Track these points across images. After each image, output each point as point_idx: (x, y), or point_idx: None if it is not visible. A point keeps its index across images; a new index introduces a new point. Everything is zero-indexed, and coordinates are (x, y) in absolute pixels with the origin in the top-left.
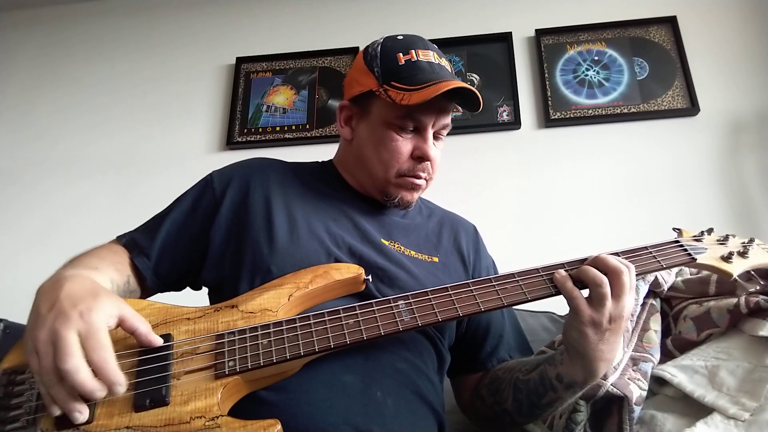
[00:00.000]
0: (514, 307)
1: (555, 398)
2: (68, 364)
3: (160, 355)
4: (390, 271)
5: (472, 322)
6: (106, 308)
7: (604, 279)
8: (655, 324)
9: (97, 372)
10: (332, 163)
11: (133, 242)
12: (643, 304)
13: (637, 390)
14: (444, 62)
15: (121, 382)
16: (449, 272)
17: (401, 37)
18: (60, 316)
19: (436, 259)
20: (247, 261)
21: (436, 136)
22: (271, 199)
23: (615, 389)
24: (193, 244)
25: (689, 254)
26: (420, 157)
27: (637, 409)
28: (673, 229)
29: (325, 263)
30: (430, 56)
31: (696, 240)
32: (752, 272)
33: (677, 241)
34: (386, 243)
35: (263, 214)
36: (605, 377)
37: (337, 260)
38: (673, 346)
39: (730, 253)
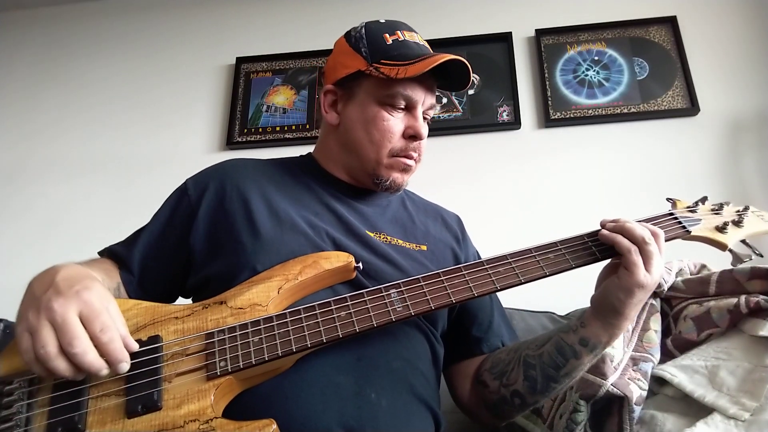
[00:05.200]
0: (514, 308)
1: (576, 365)
2: (77, 348)
3: (150, 358)
4: (374, 264)
5: (462, 307)
6: (100, 291)
7: (657, 233)
8: (655, 324)
9: (102, 352)
10: (312, 156)
11: (112, 254)
12: (643, 304)
13: (637, 390)
14: (428, 46)
15: (126, 359)
16: (438, 260)
17: (384, 21)
18: (58, 296)
19: (424, 247)
20: (231, 260)
21: (423, 117)
22: (249, 198)
23: (615, 389)
24: (174, 253)
25: (683, 227)
26: (412, 136)
27: (637, 409)
28: (667, 199)
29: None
30: (416, 37)
31: (690, 210)
32: (747, 240)
33: (671, 213)
34: (372, 234)
35: (243, 214)
36: (605, 377)
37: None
38: (673, 346)
39: (725, 223)
